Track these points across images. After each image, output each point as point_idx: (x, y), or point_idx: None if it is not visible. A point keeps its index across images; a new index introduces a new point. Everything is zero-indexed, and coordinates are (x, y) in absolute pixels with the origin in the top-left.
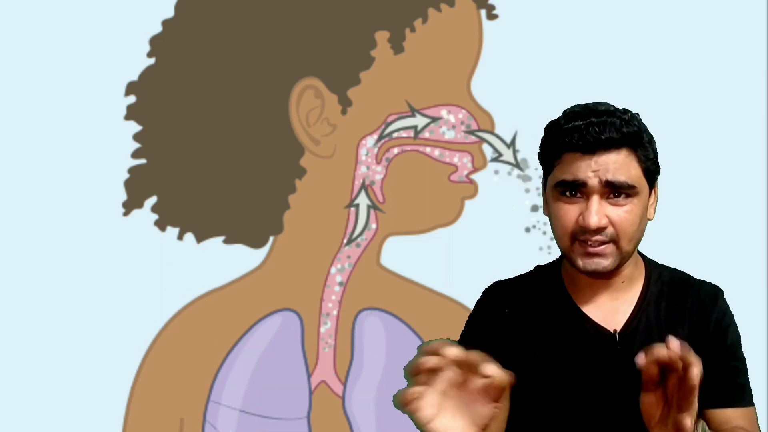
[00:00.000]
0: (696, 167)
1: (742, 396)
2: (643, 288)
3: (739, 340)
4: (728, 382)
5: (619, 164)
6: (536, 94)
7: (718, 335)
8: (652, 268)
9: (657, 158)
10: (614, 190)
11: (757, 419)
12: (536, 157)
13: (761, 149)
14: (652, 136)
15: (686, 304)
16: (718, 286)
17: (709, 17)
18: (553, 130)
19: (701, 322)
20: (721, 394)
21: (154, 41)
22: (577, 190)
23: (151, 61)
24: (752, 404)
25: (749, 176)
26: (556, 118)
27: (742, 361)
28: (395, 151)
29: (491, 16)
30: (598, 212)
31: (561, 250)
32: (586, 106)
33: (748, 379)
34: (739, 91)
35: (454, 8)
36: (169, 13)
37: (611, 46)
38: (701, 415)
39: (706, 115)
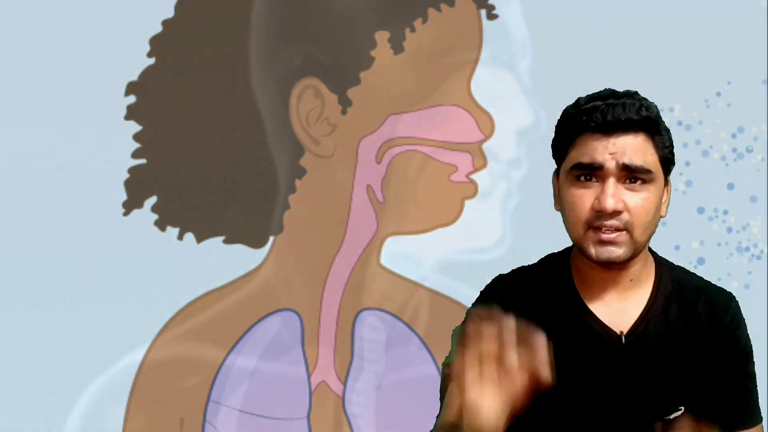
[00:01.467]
0: (697, 167)
1: (751, 417)
2: (653, 290)
3: (751, 354)
4: (737, 403)
5: (636, 148)
6: (536, 95)
7: (728, 348)
8: (663, 268)
9: (673, 148)
10: (631, 175)
11: None
12: (534, 157)
13: (761, 149)
14: (667, 127)
15: (697, 310)
16: (731, 294)
17: (710, 18)
18: (571, 110)
19: (711, 331)
20: (730, 415)
21: (154, 41)
22: (592, 173)
23: (151, 61)
24: (760, 421)
25: (750, 175)
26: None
27: (753, 376)
28: (395, 151)
29: (491, 16)
30: (615, 195)
31: (573, 240)
32: (608, 89)
33: (757, 395)
34: (739, 90)
35: (454, 8)
36: (169, 13)
37: (612, 46)
38: None
39: (709, 115)
